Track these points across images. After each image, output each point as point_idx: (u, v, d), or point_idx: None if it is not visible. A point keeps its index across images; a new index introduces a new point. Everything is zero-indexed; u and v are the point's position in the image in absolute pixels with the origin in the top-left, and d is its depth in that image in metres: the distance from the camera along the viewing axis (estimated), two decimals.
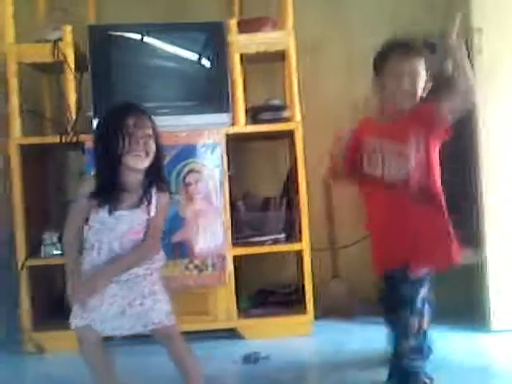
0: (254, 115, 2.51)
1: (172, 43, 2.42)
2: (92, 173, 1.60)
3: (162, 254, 1.64)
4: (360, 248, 2.83)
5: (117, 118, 1.54)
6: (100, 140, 1.57)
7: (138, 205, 1.55)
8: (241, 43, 2.41)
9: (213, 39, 2.40)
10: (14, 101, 2.34)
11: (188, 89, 2.45)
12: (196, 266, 2.31)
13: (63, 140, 2.34)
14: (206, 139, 2.32)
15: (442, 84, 1.77)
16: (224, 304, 2.34)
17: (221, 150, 2.33)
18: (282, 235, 2.45)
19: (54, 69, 2.45)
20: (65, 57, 2.35)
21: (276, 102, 2.55)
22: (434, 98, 1.74)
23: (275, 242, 2.43)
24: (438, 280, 2.65)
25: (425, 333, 1.75)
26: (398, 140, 1.72)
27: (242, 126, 2.41)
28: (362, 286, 2.80)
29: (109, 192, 1.54)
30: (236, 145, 2.57)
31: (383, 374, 1.87)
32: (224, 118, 2.37)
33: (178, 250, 2.27)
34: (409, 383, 1.69)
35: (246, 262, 2.50)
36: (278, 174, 2.74)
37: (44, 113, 2.65)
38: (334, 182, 2.26)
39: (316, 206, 2.75)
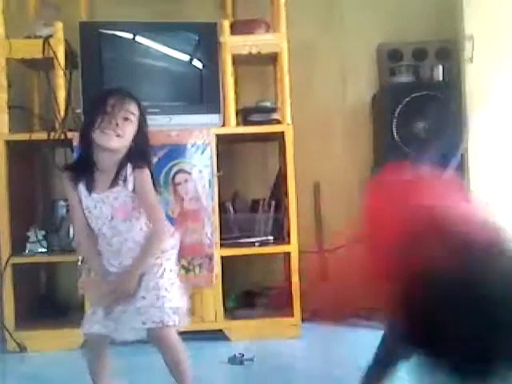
0: (244, 117, 2.51)
1: (164, 43, 2.41)
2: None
3: (174, 242, 1.59)
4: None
5: (98, 97, 1.56)
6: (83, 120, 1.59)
7: (113, 184, 1.52)
8: (233, 44, 2.41)
9: (205, 40, 2.40)
10: (2, 96, 2.32)
11: (179, 89, 2.44)
12: (183, 267, 2.29)
13: (51, 137, 2.32)
14: (196, 139, 2.31)
15: None
16: (211, 305, 2.33)
17: (210, 151, 2.32)
18: (270, 237, 2.45)
19: (44, 65, 2.42)
20: (55, 53, 2.33)
21: (267, 104, 2.55)
22: None
23: (263, 243, 2.43)
24: None
25: None
26: None
27: (233, 127, 2.41)
28: (349, 289, 2.80)
29: (80, 169, 1.54)
30: (226, 146, 2.57)
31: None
32: (214, 118, 2.37)
33: None
34: None
35: (233, 264, 2.49)
36: (267, 176, 2.74)
37: (32, 109, 2.62)
38: None
39: (305, 208, 2.75)
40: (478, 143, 2.30)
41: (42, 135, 2.35)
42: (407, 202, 0.94)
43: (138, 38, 2.41)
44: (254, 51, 2.42)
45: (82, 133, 1.56)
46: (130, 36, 2.41)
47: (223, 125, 2.38)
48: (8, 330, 2.28)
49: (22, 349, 2.28)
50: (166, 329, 1.50)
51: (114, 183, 1.52)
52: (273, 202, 2.53)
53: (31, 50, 2.34)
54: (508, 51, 2.29)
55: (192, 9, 2.72)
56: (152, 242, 1.52)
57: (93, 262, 1.59)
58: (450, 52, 2.69)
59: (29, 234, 2.39)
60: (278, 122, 2.45)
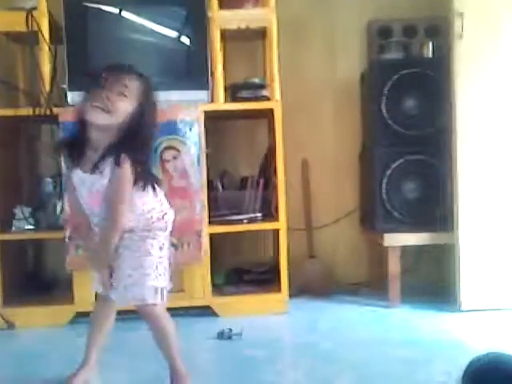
0: (233, 93, 2.48)
1: (151, 17, 2.37)
2: None
3: (163, 224, 1.56)
4: (336, 229, 2.86)
5: (96, 71, 1.50)
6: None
7: (93, 170, 1.47)
8: (222, 19, 2.37)
9: (193, 14, 2.35)
10: None
11: (166, 64, 2.40)
12: (172, 244, 2.28)
13: (36, 112, 2.28)
14: (184, 116, 2.29)
15: None
16: (199, 282, 2.34)
17: (199, 128, 2.30)
18: (259, 214, 2.45)
19: (28, 39, 2.36)
20: (39, 27, 2.28)
21: (256, 80, 2.53)
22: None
23: (252, 220, 2.43)
24: (410, 261, 2.72)
25: None
26: None
27: (221, 104, 2.38)
28: (336, 265, 2.83)
29: (70, 144, 1.53)
30: (214, 123, 2.55)
31: (354, 351, 1.91)
32: (202, 94, 2.34)
33: None
34: None
35: (222, 241, 2.50)
36: (256, 153, 2.74)
37: (17, 84, 2.57)
38: None
39: (293, 186, 2.76)
40: (466, 121, 2.30)
41: (28, 111, 2.31)
42: None
43: (125, 12, 2.36)
44: (242, 26, 2.39)
45: (77, 108, 1.51)
46: (115, 10, 2.36)
47: (211, 101, 2.36)
48: None
49: (10, 326, 2.28)
50: (150, 306, 1.52)
51: (94, 169, 1.47)
52: (261, 180, 2.52)
53: (14, 22, 2.28)
54: (498, 28, 2.28)
55: None
56: (107, 232, 1.51)
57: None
58: (439, 29, 2.67)
59: (15, 211, 2.36)
60: (267, 98, 2.43)
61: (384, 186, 2.46)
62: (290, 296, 2.43)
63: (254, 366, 1.82)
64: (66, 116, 2.25)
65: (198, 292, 2.34)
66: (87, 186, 1.51)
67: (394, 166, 2.45)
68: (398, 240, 2.43)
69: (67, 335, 2.21)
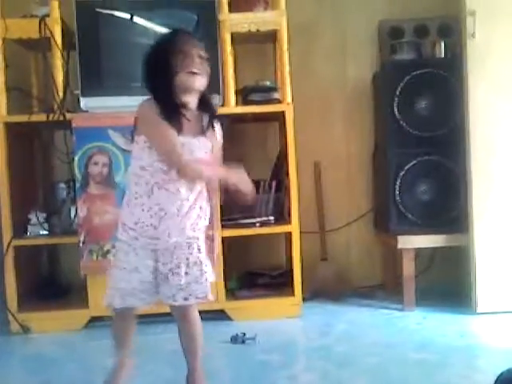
0: (244, 96, 2.48)
1: (162, 22, 2.37)
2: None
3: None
4: (349, 231, 2.84)
5: (169, 38, 1.47)
6: (152, 63, 1.46)
7: (202, 131, 1.46)
8: (232, 22, 2.37)
9: (203, 18, 2.36)
10: (0, 78, 2.29)
11: None
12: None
13: (50, 118, 2.30)
14: None
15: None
16: (212, 285, 2.33)
17: None
18: (271, 217, 2.45)
19: (41, 45, 2.39)
20: (52, 33, 2.30)
21: (267, 83, 2.52)
22: None
23: (264, 224, 2.43)
24: (424, 263, 2.69)
25: None
26: None
27: (232, 107, 2.38)
28: (350, 268, 2.82)
29: (173, 113, 1.41)
30: (226, 126, 2.54)
31: (369, 355, 1.90)
32: (214, 98, 2.34)
33: None
34: None
35: (234, 244, 2.49)
36: (267, 156, 2.73)
37: (31, 91, 2.60)
38: None
39: (305, 188, 2.75)
40: (479, 121, 2.27)
41: (41, 117, 2.33)
42: None
43: (136, 18, 2.37)
44: (252, 29, 2.39)
45: (162, 78, 1.43)
46: (127, 15, 2.37)
47: (223, 105, 2.36)
48: (11, 312, 2.30)
49: (26, 330, 2.30)
50: (194, 305, 1.53)
51: (203, 130, 1.47)
52: (273, 183, 2.52)
53: (28, 29, 2.31)
54: (510, 26, 2.25)
55: None
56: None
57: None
58: (451, 28, 2.65)
59: (30, 216, 2.39)
60: (278, 101, 2.43)
61: (397, 187, 2.44)
62: (304, 299, 2.42)
63: (268, 370, 1.81)
64: (79, 121, 2.28)
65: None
66: (191, 151, 1.44)
67: (407, 167, 2.43)
68: (411, 242, 2.41)
69: (82, 339, 2.22)
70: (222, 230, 2.33)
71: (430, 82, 2.42)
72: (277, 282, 2.54)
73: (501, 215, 2.28)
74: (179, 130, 1.43)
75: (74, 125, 2.27)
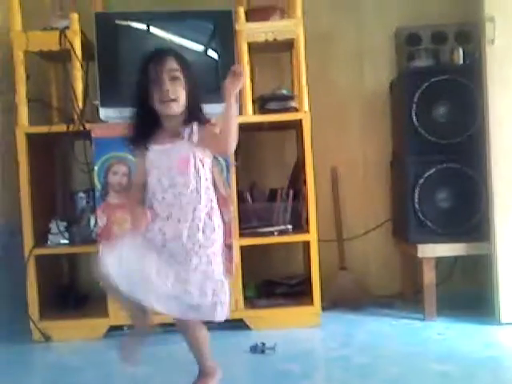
0: (261, 105, 2.49)
1: (179, 32, 2.40)
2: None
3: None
4: (367, 240, 2.82)
5: (141, 68, 1.55)
6: (134, 95, 1.58)
7: (179, 134, 1.54)
8: (249, 32, 2.38)
9: (220, 28, 2.38)
10: (21, 90, 2.33)
11: None
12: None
13: (70, 129, 2.34)
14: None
15: None
16: (231, 294, 2.33)
17: None
18: (289, 226, 2.44)
19: (61, 57, 2.43)
20: (72, 45, 2.34)
21: (284, 91, 2.53)
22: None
23: (282, 232, 2.42)
24: (445, 272, 2.66)
25: None
26: None
27: (250, 116, 2.39)
28: (369, 277, 2.79)
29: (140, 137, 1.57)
30: (243, 135, 2.54)
31: (390, 366, 1.87)
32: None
33: None
34: None
35: (252, 253, 2.49)
36: (285, 164, 2.73)
37: (51, 102, 2.64)
38: None
39: (323, 197, 2.74)
40: (499, 128, 2.25)
41: (61, 127, 2.36)
42: None
43: (153, 28, 2.40)
44: (269, 38, 2.39)
45: (140, 109, 1.57)
46: (145, 26, 2.40)
47: (240, 113, 2.36)
48: (33, 320, 2.32)
49: (47, 338, 2.32)
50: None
51: (175, 137, 1.55)
52: (291, 191, 2.51)
53: (48, 42, 2.34)
54: None
55: None
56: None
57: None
58: (470, 34, 2.63)
59: (50, 225, 2.41)
60: (295, 109, 2.43)
61: (416, 195, 2.41)
62: (323, 309, 2.40)
63: (289, 380, 1.80)
64: (99, 131, 2.30)
65: (231, 305, 2.33)
66: (169, 155, 1.54)
67: (426, 175, 2.41)
68: (432, 251, 2.38)
69: (101, 348, 2.23)
70: (240, 238, 2.33)
71: (449, 88, 2.40)
72: (295, 291, 2.53)
73: None
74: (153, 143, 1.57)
75: (93, 135, 2.30)
